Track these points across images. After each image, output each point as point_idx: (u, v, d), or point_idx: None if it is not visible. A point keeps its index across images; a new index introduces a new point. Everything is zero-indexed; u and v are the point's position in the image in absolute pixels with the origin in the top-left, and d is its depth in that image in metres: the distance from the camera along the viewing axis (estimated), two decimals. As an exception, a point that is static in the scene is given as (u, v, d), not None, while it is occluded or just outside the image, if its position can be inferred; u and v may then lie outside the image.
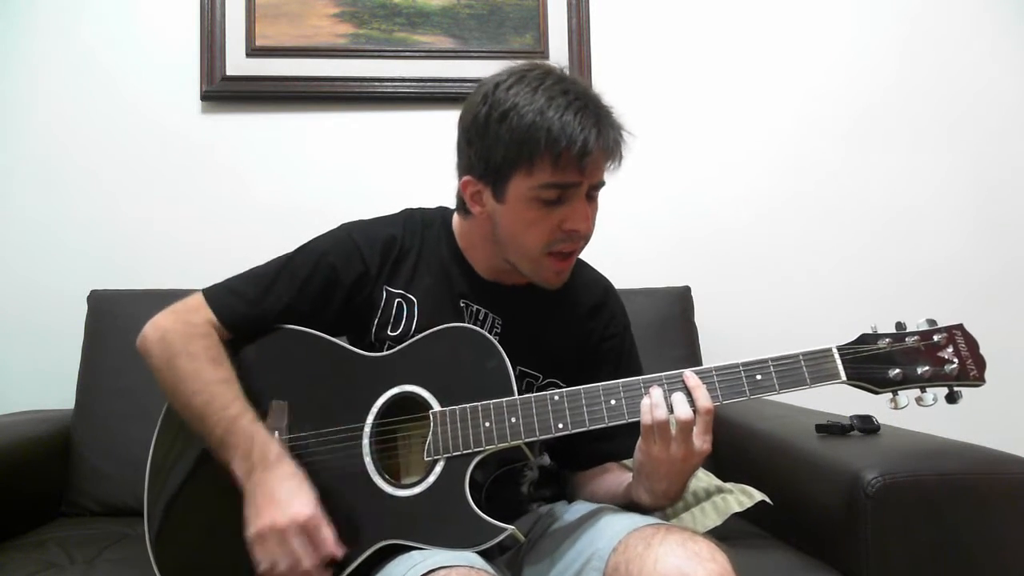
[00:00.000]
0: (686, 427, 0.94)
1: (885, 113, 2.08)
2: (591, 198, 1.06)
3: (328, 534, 0.96)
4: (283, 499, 0.96)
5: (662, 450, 0.96)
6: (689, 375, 0.97)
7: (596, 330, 1.20)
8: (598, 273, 1.27)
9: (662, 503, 1.03)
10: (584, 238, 1.07)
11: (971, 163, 2.09)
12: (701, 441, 0.95)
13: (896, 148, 2.08)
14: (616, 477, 1.14)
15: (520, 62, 1.08)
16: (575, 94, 1.01)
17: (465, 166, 1.09)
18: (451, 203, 1.22)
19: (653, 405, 0.96)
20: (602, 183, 1.06)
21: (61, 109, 1.90)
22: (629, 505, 1.05)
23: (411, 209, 1.23)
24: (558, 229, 1.04)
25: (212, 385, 1.04)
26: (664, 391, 0.97)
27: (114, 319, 1.68)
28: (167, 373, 1.07)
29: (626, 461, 1.17)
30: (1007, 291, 2.06)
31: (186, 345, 1.07)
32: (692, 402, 0.95)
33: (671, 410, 0.95)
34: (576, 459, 1.21)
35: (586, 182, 1.02)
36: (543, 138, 0.98)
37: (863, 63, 2.08)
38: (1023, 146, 2.10)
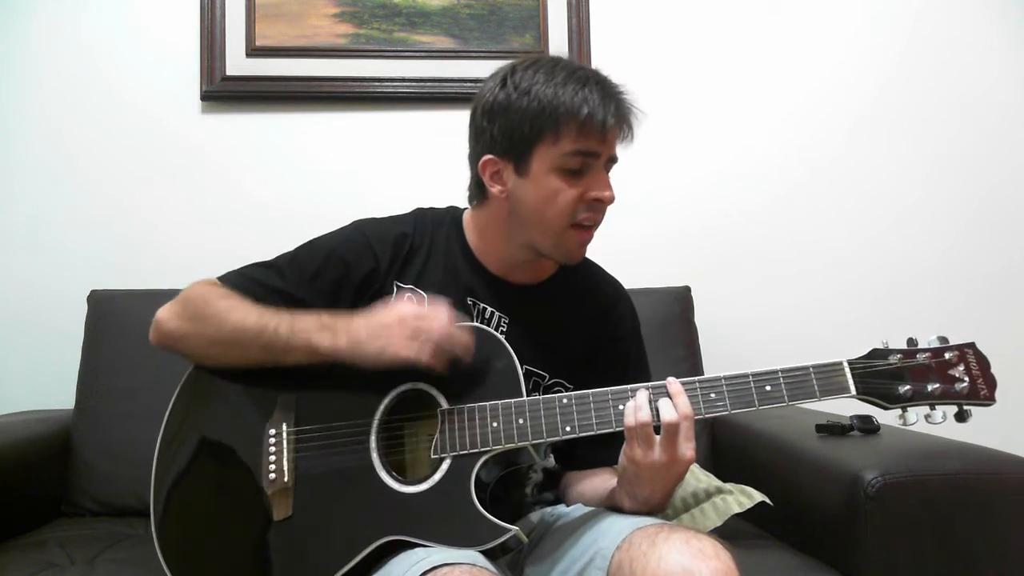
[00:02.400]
0: (671, 430, 0.95)
1: (887, 113, 2.08)
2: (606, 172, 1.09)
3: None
4: (380, 316, 1.02)
5: (645, 454, 0.96)
6: (671, 381, 0.99)
7: (605, 333, 1.20)
8: (609, 275, 1.27)
9: (643, 511, 1.02)
10: (604, 210, 1.09)
11: (972, 163, 2.09)
12: (685, 447, 0.95)
13: (898, 148, 2.08)
14: (603, 481, 1.14)
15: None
16: (588, 73, 1.08)
17: (486, 145, 1.10)
18: (453, 202, 1.23)
19: (637, 407, 0.96)
20: (616, 159, 1.10)
21: (61, 109, 1.90)
22: (612, 509, 1.05)
23: (422, 208, 1.24)
24: (581, 200, 1.06)
25: (254, 304, 1.07)
26: (650, 395, 0.98)
27: (114, 319, 1.68)
28: (202, 325, 1.08)
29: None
30: (1007, 290, 2.06)
31: (208, 295, 1.10)
32: (675, 407, 0.96)
33: (656, 413, 0.96)
34: (574, 459, 1.21)
35: (605, 152, 1.06)
36: (567, 106, 1.03)
37: (865, 64, 2.08)
38: None
